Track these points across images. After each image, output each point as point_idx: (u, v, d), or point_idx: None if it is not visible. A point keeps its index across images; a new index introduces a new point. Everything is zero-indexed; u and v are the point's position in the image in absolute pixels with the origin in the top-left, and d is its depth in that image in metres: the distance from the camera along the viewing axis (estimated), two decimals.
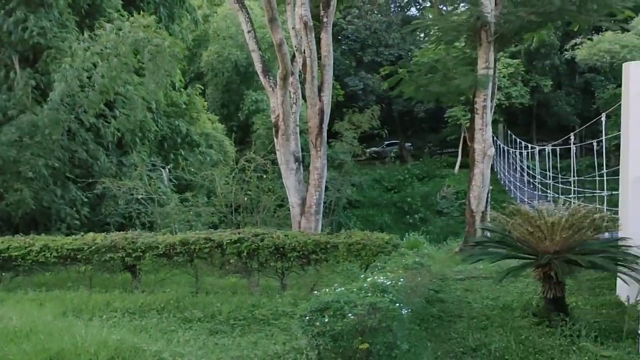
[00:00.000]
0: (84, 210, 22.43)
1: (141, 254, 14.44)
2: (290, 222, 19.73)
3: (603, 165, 17.18)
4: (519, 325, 9.30)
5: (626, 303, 10.44)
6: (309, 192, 19.23)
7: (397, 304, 7.58)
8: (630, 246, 9.13)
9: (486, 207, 18.89)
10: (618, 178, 17.06)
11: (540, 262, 8.74)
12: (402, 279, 8.58)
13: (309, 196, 19.19)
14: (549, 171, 25.44)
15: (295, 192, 19.24)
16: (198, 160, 27.25)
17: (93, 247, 14.56)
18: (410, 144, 51.99)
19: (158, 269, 15.60)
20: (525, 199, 28.50)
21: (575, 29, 21.94)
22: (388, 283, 8.00)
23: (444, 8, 23.32)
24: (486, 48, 17.79)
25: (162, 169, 24.88)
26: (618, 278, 11.26)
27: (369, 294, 7.77)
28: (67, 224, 21.72)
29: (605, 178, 16.89)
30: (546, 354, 8.37)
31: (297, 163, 19.24)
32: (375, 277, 8.68)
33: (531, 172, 31.75)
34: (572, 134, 21.98)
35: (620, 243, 9.05)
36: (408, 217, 39.41)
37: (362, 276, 8.88)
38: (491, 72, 17.97)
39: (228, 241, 14.12)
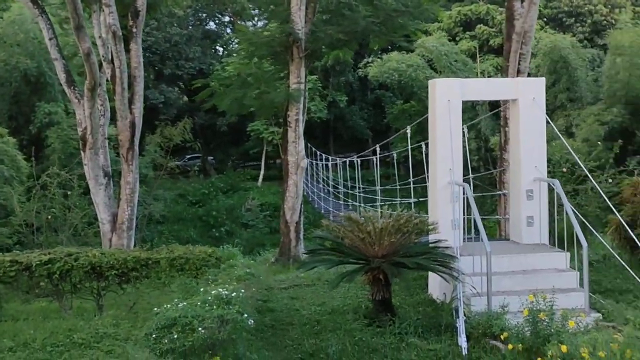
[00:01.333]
0: None
1: None
2: (100, 239, 18.79)
3: (410, 175, 18.52)
4: (352, 328, 9.72)
5: (438, 300, 11.38)
6: (121, 208, 18.46)
7: (244, 315, 7.59)
8: (447, 247, 10.00)
9: (300, 217, 19.47)
10: (413, 186, 18.58)
11: (372, 266, 9.24)
12: (242, 290, 8.60)
13: (121, 212, 18.42)
14: (358, 182, 26.85)
15: (105, 208, 18.36)
16: None
17: None
18: (212, 158, 51.89)
19: None
20: (331, 209, 29.78)
21: (376, 47, 23.48)
22: (234, 294, 7.98)
23: (250, 23, 23.73)
24: (297, 64, 18.41)
25: None
26: (429, 278, 12.26)
27: (214, 307, 7.70)
28: None
29: (412, 186, 18.23)
30: (380, 352, 8.86)
31: (106, 178, 18.39)
32: (214, 290, 8.61)
33: (332, 183, 33.20)
34: (377, 146, 23.43)
35: (439, 245, 9.84)
36: (214, 230, 39.19)
37: (201, 290, 8.73)
38: (302, 86, 18.63)
39: (37, 262, 13.04)
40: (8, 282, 13.34)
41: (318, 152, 38.17)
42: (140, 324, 12.39)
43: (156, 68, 47.81)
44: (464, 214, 11.79)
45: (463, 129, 12.50)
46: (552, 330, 7.53)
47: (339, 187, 30.76)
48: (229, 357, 7.28)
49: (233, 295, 8.00)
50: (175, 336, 7.00)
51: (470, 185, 12.43)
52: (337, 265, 9.96)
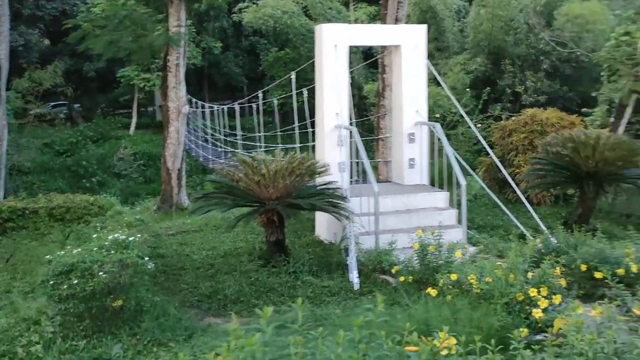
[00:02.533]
0: None
1: None
2: None
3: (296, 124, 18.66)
4: (247, 269, 9.89)
5: (326, 241, 11.78)
6: None
7: (146, 258, 7.54)
8: (338, 188, 10.34)
9: (182, 165, 19.20)
10: (299, 132, 18.82)
11: (267, 208, 9.40)
12: (138, 235, 8.50)
13: None
14: (238, 130, 26.67)
15: None
16: None
17: None
18: (79, 105, 49.38)
19: None
20: (210, 157, 29.48)
21: None
22: (131, 239, 7.87)
23: None
24: (177, 6, 17.85)
25: None
26: (317, 220, 12.63)
27: (113, 252, 7.58)
28: None
29: (297, 131, 18.42)
30: (277, 291, 9.11)
31: None
32: (106, 236, 8.46)
33: (210, 131, 32.78)
34: (260, 92, 23.32)
35: (330, 187, 10.14)
36: (85, 181, 37.64)
37: (94, 235, 8.53)
38: (183, 30, 18.13)
39: None
40: None
41: (193, 100, 37.41)
42: (21, 275, 11.96)
43: (14, 7, 44.35)
44: (351, 158, 12.17)
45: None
46: (441, 262, 8.07)
47: (217, 135, 30.42)
48: (131, 300, 7.23)
49: (131, 239, 7.90)
50: (75, 282, 6.85)
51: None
52: (232, 208, 10.02)
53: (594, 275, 7.57)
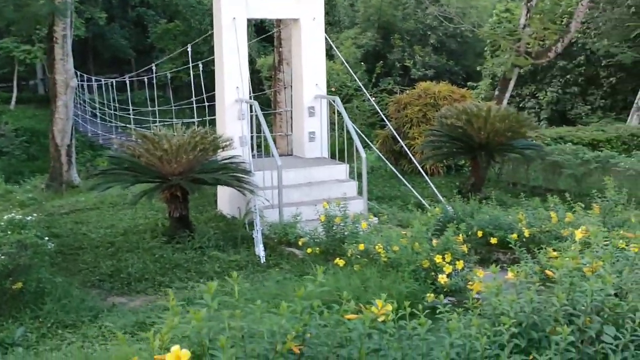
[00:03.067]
0: None
1: None
2: None
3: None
4: (151, 246, 9.69)
5: (229, 216, 11.74)
6: None
7: (46, 238, 7.23)
8: (242, 162, 10.29)
9: (71, 140, 18.40)
10: (196, 106, 18.51)
11: (171, 184, 9.22)
12: (35, 215, 8.12)
13: None
14: (130, 104, 25.77)
15: None
16: None
17: None
18: None
19: None
20: (100, 132, 28.41)
21: None
22: (28, 219, 7.51)
23: None
24: None
25: None
26: (218, 195, 12.54)
27: (9, 232, 7.22)
28: None
29: (195, 106, 18.06)
30: (183, 267, 9.00)
31: None
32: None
33: (98, 106, 31.52)
34: (154, 64, 22.61)
35: (234, 161, 10.07)
36: None
37: None
38: None
39: None
40: None
41: (78, 73, 35.75)
42: None
43: None
44: (251, 132, 12.12)
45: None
46: (347, 232, 8.25)
47: (107, 109, 29.30)
48: (31, 282, 6.93)
49: (28, 219, 7.54)
50: None
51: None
52: (133, 184, 9.77)
53: (490, 241, 8.03)
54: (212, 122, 13.81)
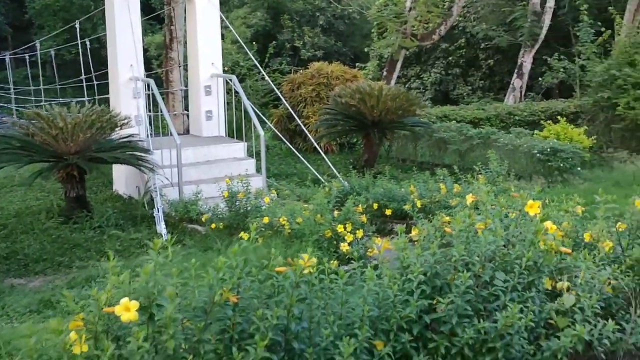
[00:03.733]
0: None
1: None
2: None
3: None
4: (47, 227, 9.50)
5: (125, 195, 11.65)
6: None
7: None
8: (141, 140, 10.24)
9: None
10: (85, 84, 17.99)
11: (68, 162, 9.07)
12: None
13: None
14: (10, 83, 24.49)
15: None
16: None
17: None
18: None
19: None
20: None
21: None
22: None
23: None
24: None
25: None
26: (114, 175, 12.38)
27: None
28: None
29: (85, 84, 17.50)
30: (82, 247, 8.91)
31: None
32: None
33: None
34: (37, 41, 21.60)
35: (132, 139, 10.01)
36: None
37: None
38: None
39: None
40: None
41: None
42: None
43: None
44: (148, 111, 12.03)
45: None
46: (249, 207, 8.49)
47: None
48: None
49: None
50: None
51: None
52: (27, 164, 9.49)
53: (385, 212, 8.53)
54: (103, 101, 13.53)
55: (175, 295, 2.52)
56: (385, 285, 3.16)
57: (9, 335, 5.14)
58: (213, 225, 8.52)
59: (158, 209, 9.70)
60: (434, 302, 3.19)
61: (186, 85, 16.69)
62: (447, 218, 5.24)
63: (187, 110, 15.00)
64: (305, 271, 2.99)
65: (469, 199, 4.88)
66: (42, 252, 8.71)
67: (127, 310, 2.42)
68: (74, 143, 9.19)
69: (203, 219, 8.95)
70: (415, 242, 3.70)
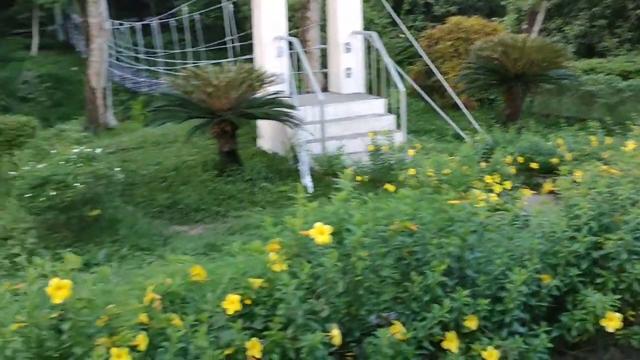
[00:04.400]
0: None
1: None
2: None
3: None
4: (203, 180, 10.20)
5: (269, 151, 12.19)
6: None
7: (117, 168, 7.74)
8: (289, 97, 10.67)
9: (106, 83, 18.83)
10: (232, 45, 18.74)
11: (222, 118, 9.65)
12: (100, 149, 8.61)
13: None
14: (160, 47, 26.01)
15: None
16: None
17: None
18: None
19: None
20: (128, 76, 28.75)
21: None
22: (98, 151, 8.01)
23: None
24: None
25: None
26: (259, 131, 12.96)
27: (81, 164, 7.73)
28: None
29: (229, 46, 18.33)
30: (236, 198, 9.53)
31: None
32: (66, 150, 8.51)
33: (123, 50, 31.74)
34: (185, 5, 22.78)
35: (279, 96, 10.45)
36: None
37: (53, 152, 8.56)
38: None
39: None
40: None
41: None
42: None
43: None
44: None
45: None
46: (393, 160, 8.68)
47: (133, 53, 29.55)
48: (107, 210, 7.47)
49: (97, 151, 8.04)
50: (53, 193, 7.00)
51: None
52: (186, 120, 10.21)
53: (530, 166, 8.42)
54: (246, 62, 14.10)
55: (362, 222, 2.77)
56: (552, 222, 3.25)
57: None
58: (358, 178, 8.77)
59: (303, 163, 10.11)
60: (602, 239, 3.24)
61: (322, 44, 17.03)
62: (605, 167, 5.17)
63: (324, 69, 15.34)
64: (479, 204, 3.14)
65: (630, 145, 4.80)
66: (200, 203, 9.40)
67: (321, 233, 2.70)
68: (227, 100, 9.75)
69: (347, 172, 9.22)
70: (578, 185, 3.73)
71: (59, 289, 2.36)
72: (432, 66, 13.61)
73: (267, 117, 10.35)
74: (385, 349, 2.60)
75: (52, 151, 8.66)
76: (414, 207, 3.05)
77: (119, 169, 7.84)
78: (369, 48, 12.93)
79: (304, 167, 10.04)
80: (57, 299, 2.35)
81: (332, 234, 2.75)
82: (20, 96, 37.72)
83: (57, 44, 43.49)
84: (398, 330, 2.66)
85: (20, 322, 2.44)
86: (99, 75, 18.45)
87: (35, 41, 42.43)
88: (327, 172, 10.18)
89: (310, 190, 9.72)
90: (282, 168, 10.85)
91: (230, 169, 10.21)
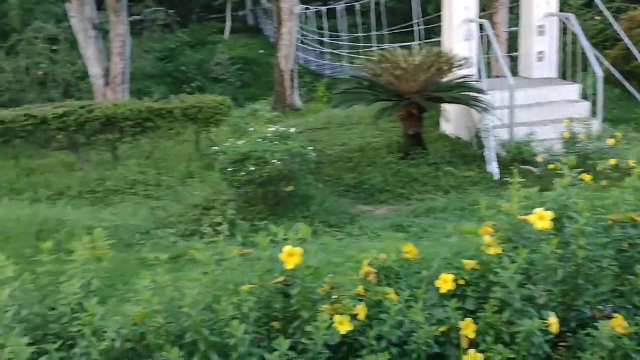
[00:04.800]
0: None
1: None
2: (93, 95, 18.70)
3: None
4: (388, 162, 10.34)
5: (453, 136, 12.03)
6: (113, 62, 18.30)
7: (311, 148, 8.07)
8: (478, 81, 10.48)
9: (294, 66, 19.58)
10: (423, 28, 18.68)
11: (410, 101, 9.70)
12: (293, 128, 9.02)
13: (113, 66, 18.28)
14: (345, 31, 26.62)
15: (96, 62, 18.16)
16: None
17: None
18: (173, 11, 50.04)
19: None
20: (312, 59, 29.70)
21: None
22: (292, 131, 8.40)
23: None
24: None
25: None
26: (443, 115, 12.84)
27: (276, 142, 8.14)
28: None
29: (417, 29, 18.35)
30: (420, 181, 9.56)
31: (95, 30, 18.01)
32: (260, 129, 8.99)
33: (309, 33, 32.74)
34: None
35: (467, 80, 10.29)
36: (185, 86, 38.55)
37: (251, 130, 9.11)
38: None
39: (53, 116, 13.19)
40: (24, 137, 13.50)
41: None
42: (165, 171, 12.88)
43: None
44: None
45: None
46: (589, 149, 8.23)
47: (317, 37, 30.44)
48: (301, 187, 7.83)
49: (291, 131, 8.43)
50: (253, 168, 7.46)
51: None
52: (373, 102, 10.38)
53: None
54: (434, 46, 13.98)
55: (585, 209, 2.68)
56: None
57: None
58: (551, 167, 8.41)
59: (490, 149, 9.89)
60: None
61: (510, 27, 16.46)
62: None
63: (511, 53, 14.84)
64: None
65: None
66: (384, 184, 9.55)
67: (541, 219, 2.65)
68: (416, 83, 9.76)
69: (538, 160, 8.91)
70: None
71: (291, 256, 2.52)
72: (634, 50, 12.63)
73: (455, 101, 10.23)
74: (605, 342, 2.50)
75: (249, 129, 9.20)
76: (638, 197, 2.88)
77: (311, 148, 8.15)
78: (563, 31, 12.29)
79: (491, 153, 9.82)
80: (289, 265, 2.52)
81: (553, 220, 2.69)
82: (213, 77, 40.35)
83: (247, 28, 45.85)
84: (619, 324, 2.55)
85: (251, 285, 2.65)
86: (287, 58, 19.21)
87: (227, 26, 45.13)
88: (515, 159, 9.89)
89: (497, 177, 9.50)
90: (467, 153, 10.71)
91: (415, 152, 10.25)
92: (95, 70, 18.18)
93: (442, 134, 12.47)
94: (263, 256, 2.64)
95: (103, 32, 18.83)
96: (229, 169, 7.59)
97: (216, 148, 8.50)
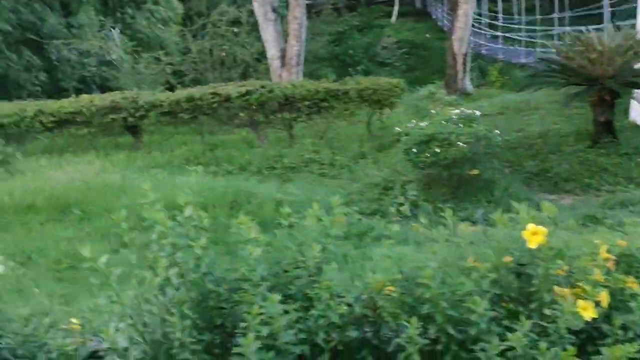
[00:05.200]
0: (42, 76, 21.28)
1: (145, 113, 14.01)
2: (270, 76, 19.40)
3: None
4: (574, 150, 9.84)
5: None
6: (289, 43, 18.84)
7: (496, 131, 7.85)
8: None
9: (467, 50, 19.14)
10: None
11: (603, 86, 9.13)
12: (478, 111, 8.82)
13: (290, 47, 18.82)
14: (522, 13, 25.66)
15: (274, 44, 18.78)
16: (146, 19, 25.92)
17: (92, 109, 13.99)
18: None
19: (160, 129, 15.29)
20: (483, 42, 28.91)
21: None
22: (477, 113, 8.22)
23: None
24: None
25: (112, 29, 23.57)
26: (632, 104, 11.97)
27: (461, 125, 7.99)
28: (27, 90, 20.61)
29: (606, 10, 17.27)
30: (609, 171, 9.00)
31: (275, 13, 18.64)
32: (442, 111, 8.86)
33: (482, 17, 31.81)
34: None
35: None
36: (351, 69, 39.13)
37: (433, 112, 9.02)
38: None
39: (236, 94, 13.84)
40: (209, 114, 14.32)
41: None
42: (338, 151, 13.13)
43: None
44: None
45: None
46: None
47: (489, 20, 29.52)
48: (485, 170, 7.66)
49: (477, 114, 8.25)
50: (437, 150, 7.39)
51: None
52: (563, 87, 9.91)
53: None
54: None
55: None
56: None
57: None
58: None
59: None
60: None
61: None
62: None
63: None
64: None
65: None
66: (570, 173, 9.10)
67: None
68: (611, 67, 9.17)
69: None
70: None
71: (534, 235, 2.45)
72: None
73: None
74: None
75: (432, 111, 9.12)
76: None
77: (498, 131, 7.94)
78: None
79: None
80: (532, 244, 2.45)
81: None
82: (379, 61, 40.51)
83: (415, 12, 45.35)
84: None
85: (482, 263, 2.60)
86: (462, 41, 18.79)
87: (395, 9, 44.94)
88: None
89: None
90: None
91: (604, 140, 9.65)
92: (272, 51, 18.83)
93: (631, 123, 11.66)
94: (495, 235, 2.59)
95: (282, 15, 19.49)
96: (413, 150, 7.57)
97: (398, 129, 8.50)
